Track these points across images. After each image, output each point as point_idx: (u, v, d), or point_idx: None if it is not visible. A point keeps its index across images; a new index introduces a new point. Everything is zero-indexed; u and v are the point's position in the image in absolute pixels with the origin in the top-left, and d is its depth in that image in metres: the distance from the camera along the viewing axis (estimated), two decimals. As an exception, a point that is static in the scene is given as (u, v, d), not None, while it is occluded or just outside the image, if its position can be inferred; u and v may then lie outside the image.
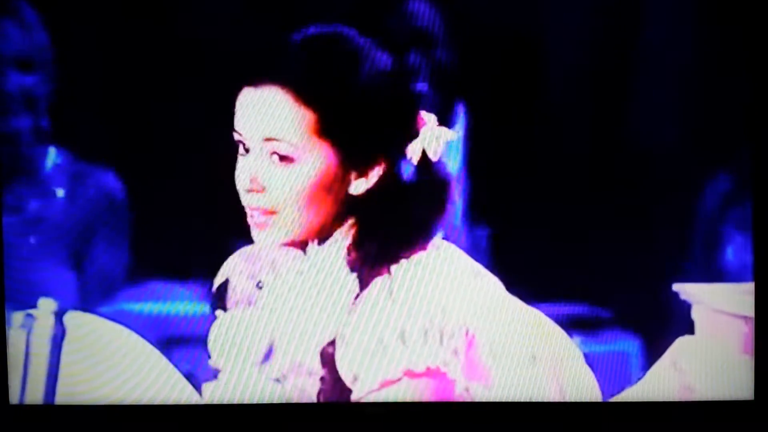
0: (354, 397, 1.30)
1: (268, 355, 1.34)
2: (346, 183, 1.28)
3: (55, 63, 1.40)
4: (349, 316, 1.29)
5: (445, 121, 1.37)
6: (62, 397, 1.42)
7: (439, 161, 1.33)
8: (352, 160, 1.27)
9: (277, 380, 1.32)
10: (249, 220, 1.31)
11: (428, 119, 1.29)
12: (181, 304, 1.41)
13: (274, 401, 1.38)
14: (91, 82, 1.41)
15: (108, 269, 1.42)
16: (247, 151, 1.28)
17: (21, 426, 1.43)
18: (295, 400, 1.34)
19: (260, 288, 1.32)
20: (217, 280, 1.35)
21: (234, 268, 1.32)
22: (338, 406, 1.36)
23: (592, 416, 1.43)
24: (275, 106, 1.25)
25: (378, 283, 1.27)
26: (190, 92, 1.38)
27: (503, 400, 1.38)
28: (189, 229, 1.41)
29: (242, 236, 1.37)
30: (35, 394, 1.42)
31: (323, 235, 1.30)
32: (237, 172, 1.30)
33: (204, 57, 1.36)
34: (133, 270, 1.42)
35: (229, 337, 1.34)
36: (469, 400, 1.31)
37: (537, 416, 1.42)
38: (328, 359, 1.29)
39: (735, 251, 1.44)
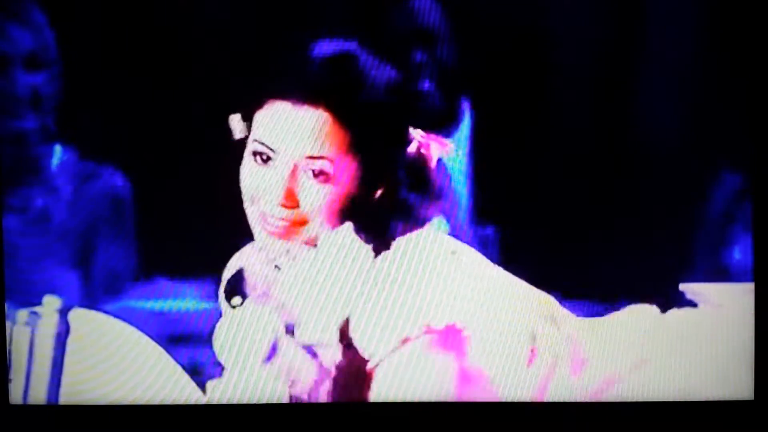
0: (372, 363, 1.31)
1: (271, 355, 1.35)
2: (371, 197, 1.31)
3: (61, 62, 1.40)
4: (364, 285, 1.32)
5: (449, 120, 1.38)
6: (66, 397, 1.42)
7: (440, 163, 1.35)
8: (374, 176, 1.31)
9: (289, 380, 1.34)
10: (265, 227, 1.32)
11: (415, 134, 1.31)
12: (186, 301, 1.41)
13: (281, 401, 1.39)
14: (96, 81, 1.41)
15: (113, 267, 1.42)
16: (266, 161, 1.29)
17: (23, 426, 1.44)
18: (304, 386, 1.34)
19: (278, 269, 1.33)
20: (228, 273, 1.35)
21: (247, 259, 1.32)
22: (343, 406, 1.37)
23: (592, 416, 1.43)
24: (318, 126, 1.28)
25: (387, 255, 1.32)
26: (199, 94, 1.39)
27: (503, 400, 1.38)
28: (194, 226, 1.41)
29: (248, 234, 1.38)
30: (39, 392, 1.42)
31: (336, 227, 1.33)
32: (258, 183, 1.32)
33: (217, 63, 1.38)
34: (139, 267, 1.42)
35: (241, 330, 1.35)
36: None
37: (536, 416, 1.42)
38: (345, 331, 1.31)
39: (740, 251, 1.44)
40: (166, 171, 1.42)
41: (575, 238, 1.42)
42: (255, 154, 1.31)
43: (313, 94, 1.29)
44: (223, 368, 1.39)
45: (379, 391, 1.37)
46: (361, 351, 1.34)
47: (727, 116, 1.44)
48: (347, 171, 1.31)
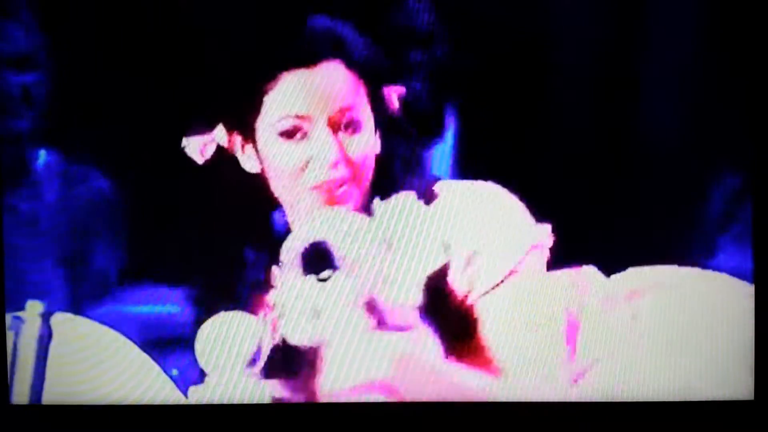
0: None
1: (255, 360, 1.32)
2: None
3: (49, 63, 1.38)
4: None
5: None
6: (49, 398, 1.41)
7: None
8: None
9: None
10: (322, 196, 1.31)
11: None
12: (170, 306, 1.40)
13: (265, 401, 1.37)
14: (84, 84, 1.41)
15: (98, 272, 1.42)
16: (305, 135, 1.27)
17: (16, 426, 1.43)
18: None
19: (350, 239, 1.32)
20: (297, 244, 1.31)
21: (319, 229, 1.30)
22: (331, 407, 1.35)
23: (592, 416, 1.42)
24: (340, 79, 1.28)
25: None
26: (186, 95, 1.38)
27: (503, 400, 1.38)
28: (181, 232, 1.40)
29: (235, 240, 1.37)
30: (22, 396, 1.41)
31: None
32: (300, 155, 1.30)
33: (214, 53, 1.36)
34: (124, 273, 1.41)
35: (222, 334, 1.33)
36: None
37: (537, 415, 1.42)
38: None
39: (737, 250, 1.45)
40: (153, 176, 1.41)
41: (573, 238, 1.42)
42: (285, 133, 1.28)
43: (320, 51, 1.29)
44: (205, 373, 1.36)
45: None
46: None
47: (727, 116, 1.44)
48: (372, 124, 1.31)
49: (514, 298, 1.32)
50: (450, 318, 1.32)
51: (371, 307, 1.30)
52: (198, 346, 1.35)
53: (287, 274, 1.31)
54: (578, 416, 1.42)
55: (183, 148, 1.37)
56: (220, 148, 1.37)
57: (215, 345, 1.35)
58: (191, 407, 1.40)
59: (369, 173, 1.33)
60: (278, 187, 1.34)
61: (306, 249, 1.30)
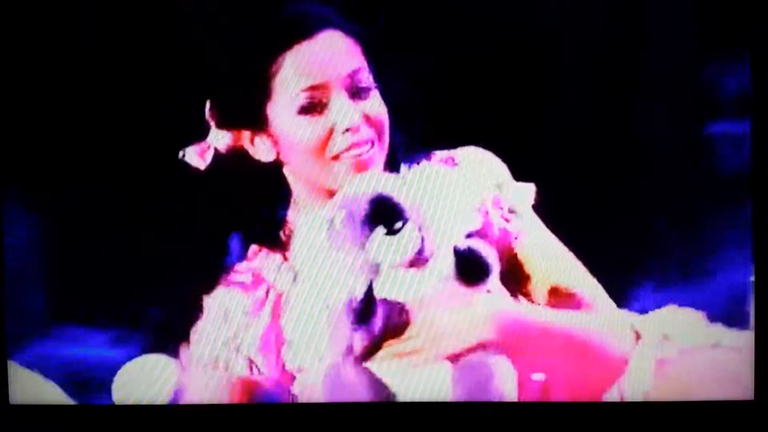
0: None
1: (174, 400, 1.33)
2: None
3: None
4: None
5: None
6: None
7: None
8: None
9: None
10: (345, 165, 1.31)
11: None
12: (94, 349, 1.40)
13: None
14: (10, 122, 1.42)
15: (23, 314, 1.42)
16: (324, 106, 1.29)
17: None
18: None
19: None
20: (359, 201, 1.30)
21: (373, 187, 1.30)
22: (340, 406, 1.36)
23: (592, 416, 1.42)
24: (341, 46, 1.30)
25: None
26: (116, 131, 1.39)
27: (503, 401, 1.38)
28: (107, 274, 1.41)
29: (156, 281, 1.38)
30: None
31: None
32: (324, 124, 1.30)
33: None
34: (49, 315, 1.42)
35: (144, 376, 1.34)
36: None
37: (535, 416, 1.42)
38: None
39: (735, 252, 1.45)
40: (78, 217, 1.42)
41: (573, 240, 1.42)
42: (303, 109, 1.29)
43: (314, 22, 1.30)
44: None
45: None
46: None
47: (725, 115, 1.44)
48: (372, 81, 1.32)
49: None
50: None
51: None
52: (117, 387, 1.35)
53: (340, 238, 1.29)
54: (578, 416, 1.42)
55: (182, 158, 1.37)
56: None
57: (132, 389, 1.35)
58: (190, 407, 1.40)
59: (387, 134, 1.34)
60: (299, 164, 1.34)
61: (373, 200, 1.28)
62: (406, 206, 1.27)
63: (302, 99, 1.30)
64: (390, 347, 1.28)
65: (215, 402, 1.38)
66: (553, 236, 1.38)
